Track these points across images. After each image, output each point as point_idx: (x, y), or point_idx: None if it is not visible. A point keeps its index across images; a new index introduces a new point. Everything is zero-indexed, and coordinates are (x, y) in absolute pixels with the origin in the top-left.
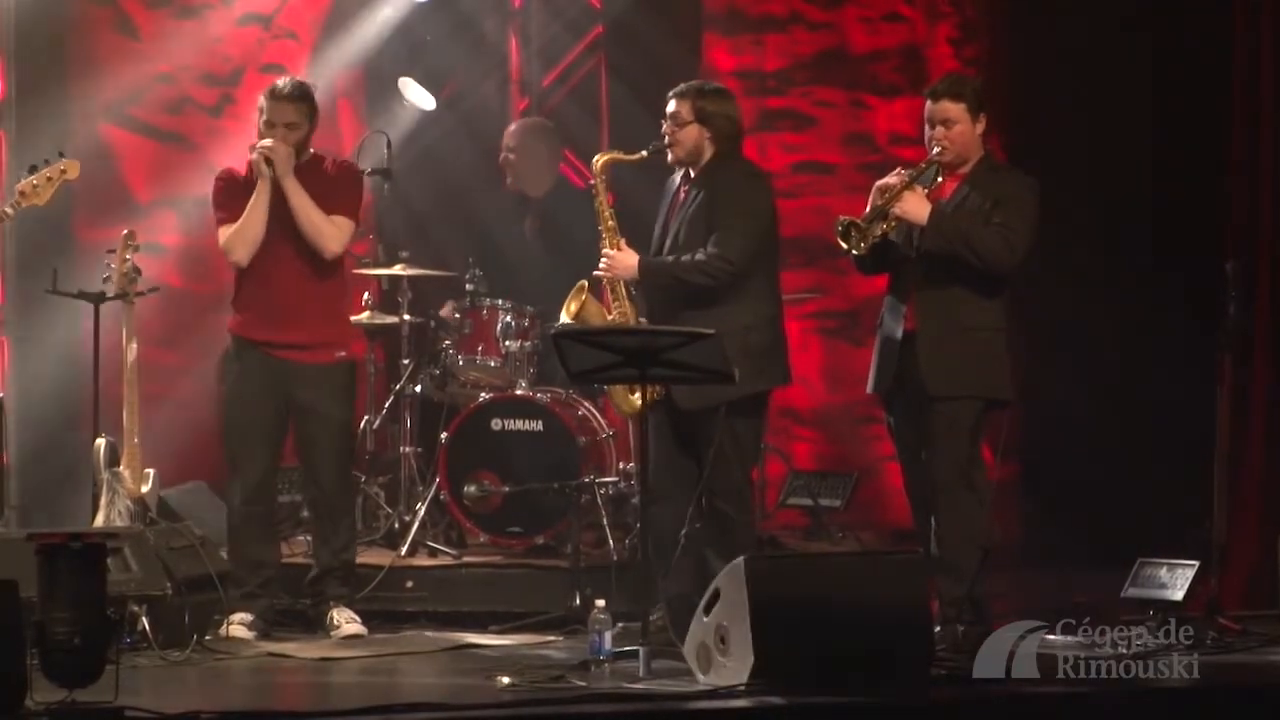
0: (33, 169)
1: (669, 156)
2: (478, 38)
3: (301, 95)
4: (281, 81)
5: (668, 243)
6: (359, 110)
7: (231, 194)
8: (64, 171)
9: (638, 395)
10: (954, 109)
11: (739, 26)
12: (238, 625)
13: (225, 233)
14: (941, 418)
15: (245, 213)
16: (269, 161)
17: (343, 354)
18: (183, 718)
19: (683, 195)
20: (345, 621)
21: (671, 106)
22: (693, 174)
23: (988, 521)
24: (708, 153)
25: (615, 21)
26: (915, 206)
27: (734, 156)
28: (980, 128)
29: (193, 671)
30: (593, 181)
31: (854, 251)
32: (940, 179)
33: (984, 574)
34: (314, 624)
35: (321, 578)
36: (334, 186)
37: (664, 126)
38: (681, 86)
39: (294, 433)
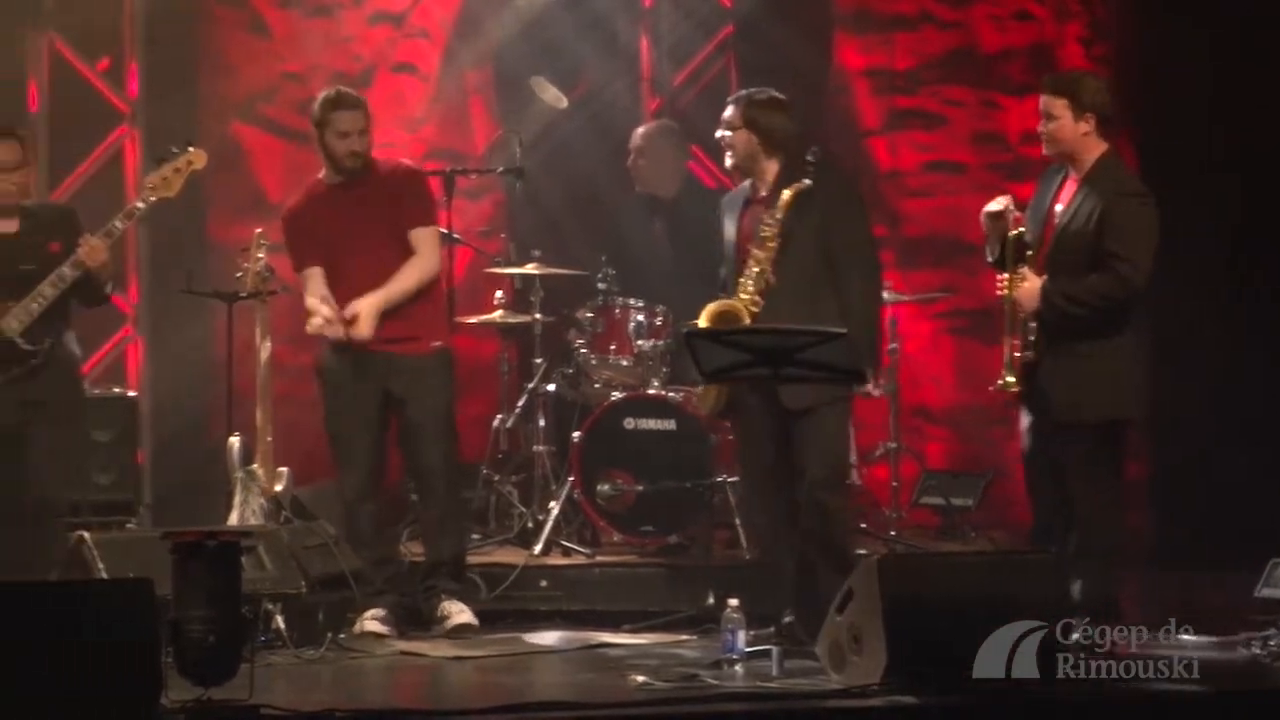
0: (160, 161)
1: (728, 161)
2: (609, 37)
3: (362, 101)
4: (337, 90)
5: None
6: (490, 108)
7: (299, 237)
8: (191, 162)
9: (721, 394)
10: (1055, 104)
11: (869, 25)
12: (371, 622)
13: (305, 285)
14: (1072, 446)
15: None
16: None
17: (438, 344)
18: (317, 716)
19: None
20: (455, 613)
21: (727, 112)
22: (762, 190)
23: (1120, 523)
24: (762, 160)
25: (746, 20)
26: (1025, 296)
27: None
28: (1085, 127)
29: (327, 669)
30: (779, 216)
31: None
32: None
33: (1115, 575)
34: (426, 618)
35: (431, 571)
36: (404, 199)
37: (718, 131)
38: (738, 93)
39: (396, 426)
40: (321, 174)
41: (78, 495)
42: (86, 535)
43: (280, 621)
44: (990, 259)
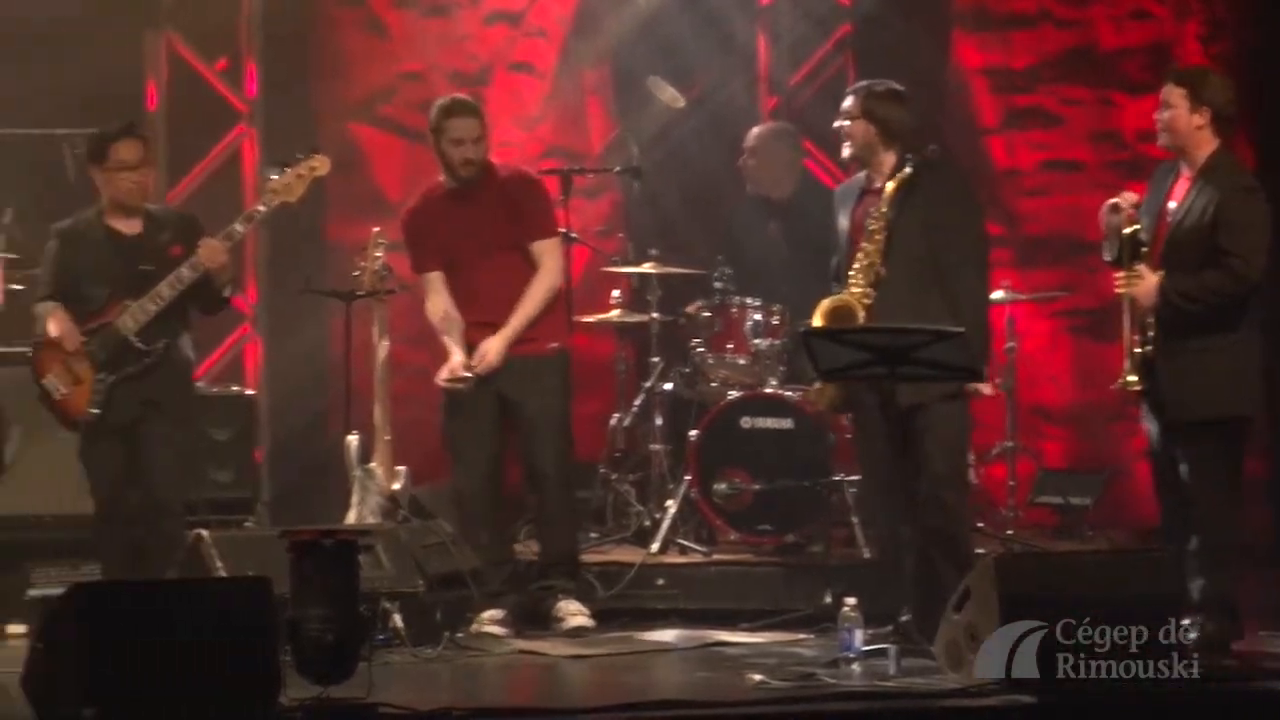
0: (284, 166)
1: (845, 151)
2: (726, 36)
3: (477, 108)
4: (452, 96)
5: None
6: (607, 107)
7: (418, 240)
8: (314, 168)
9: (836, 391)
10: (1174, 93)
11: (987, 23)
12: (490, 624)
13: (425, 289)
14: (1189, 445)
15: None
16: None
17: (555, 345)
18: (435, 714)
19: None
20: (572, 614)
21: (845, 103)
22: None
23: (1239, 522)
24: (879, 151)
25: (864, 19)
26: (1143, 293)
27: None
28: (1199, 120)
29: (445, 668)
30: (884, 209)
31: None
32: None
33: (1235, 574)
34: (541, 618)
35: (546, 570)
36: (525, 209)
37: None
38: (857, 84)
39: (513, 426)
40: (442, 176)
41: (195, 494)
42: (205, 534)
43: (398, 620)
44: (1107, 257)
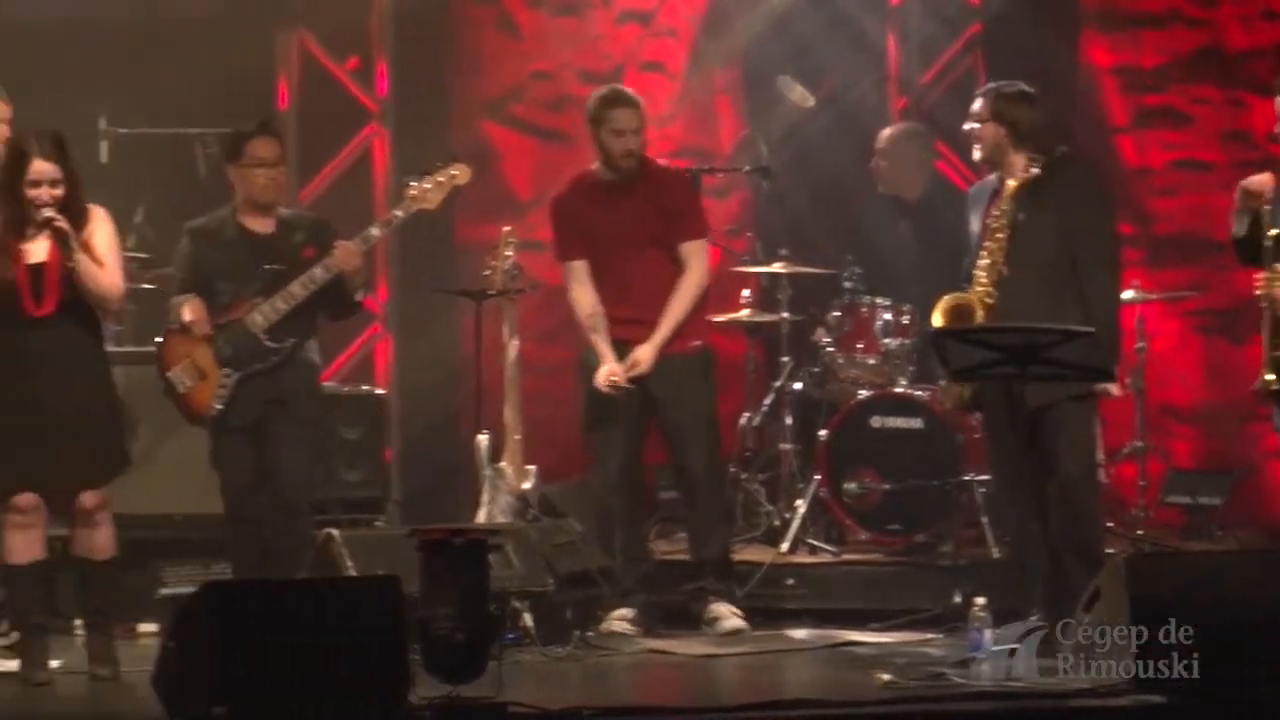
0: (423, 173)
1: (975, 154)
2: (856, 36)
3: (638, 100)
4: (613, 87)
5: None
6: (737, 107)
7: (567, 227)
8: (454, 176)
9: (965, 390)
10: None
11: (1117, 23)
12: (620, 623)
13: (569, 277)
14: None
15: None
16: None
17: (698, 343)
18: (565, 714)
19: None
20: (727, 616)
21: (975, 105)
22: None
23: None
24: (1009, 153)
25: (993, 18)
26: None
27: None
28: None
29: (575, 667)
30: (1005, 208)
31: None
32: None
33: None
34: (693, 619)
35: (698, 572)
36: (677, 209)
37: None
38: (987, 85)
39: (658, 426)
40: (594, 166)
41: (325, 493)
42: (335, 533)
43: (528, 619)
44: (1236, 233)
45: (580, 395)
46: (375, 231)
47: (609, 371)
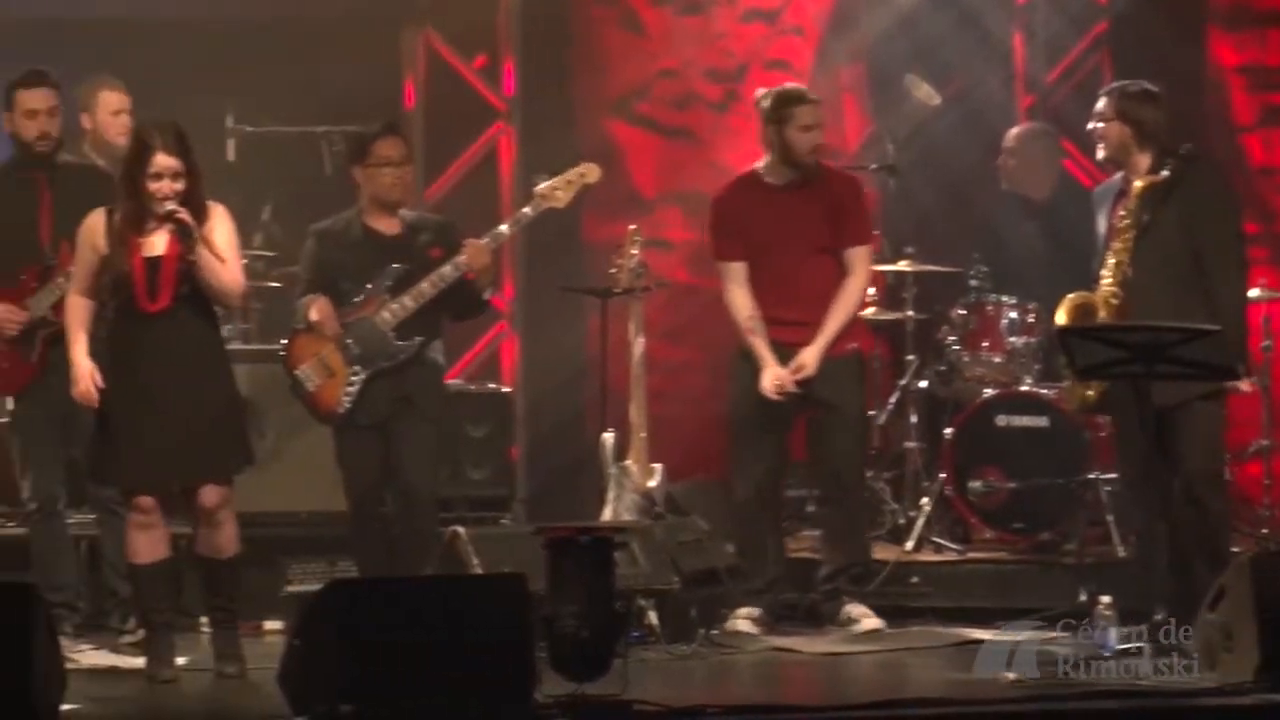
0: (553, 172)
1: (1100, 153)
2: (982, 34)
3: (818, 98)
4: (792, 85)
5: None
6: (863, 105)
7: (727, 228)
8: (584, 175)
9: (1090, 390)
10: None
11: (1244, 21)
12: (744, 621)
13: (727, 278)
14: None
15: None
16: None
17: (854, 345)
18: (689, 712)
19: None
20: (862, 616)
21: (1099, 104)
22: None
23: None
24: (1134, 152)
25: (1119, 17)
26: None
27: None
28: None
29: (699, 666)
30: (1131, 207)
31: None
32: None
33: None
34: (824, 619)
35: (836, 574)
36: (848, 212)
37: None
38: (1111, 85)
39: (806, 426)
40: (759, 166)
41: (451, 491)
42: (461, 531)
43: (653, 617)
44: None
45: (721, 393)
46: (505, 230)
47: (776, 376)
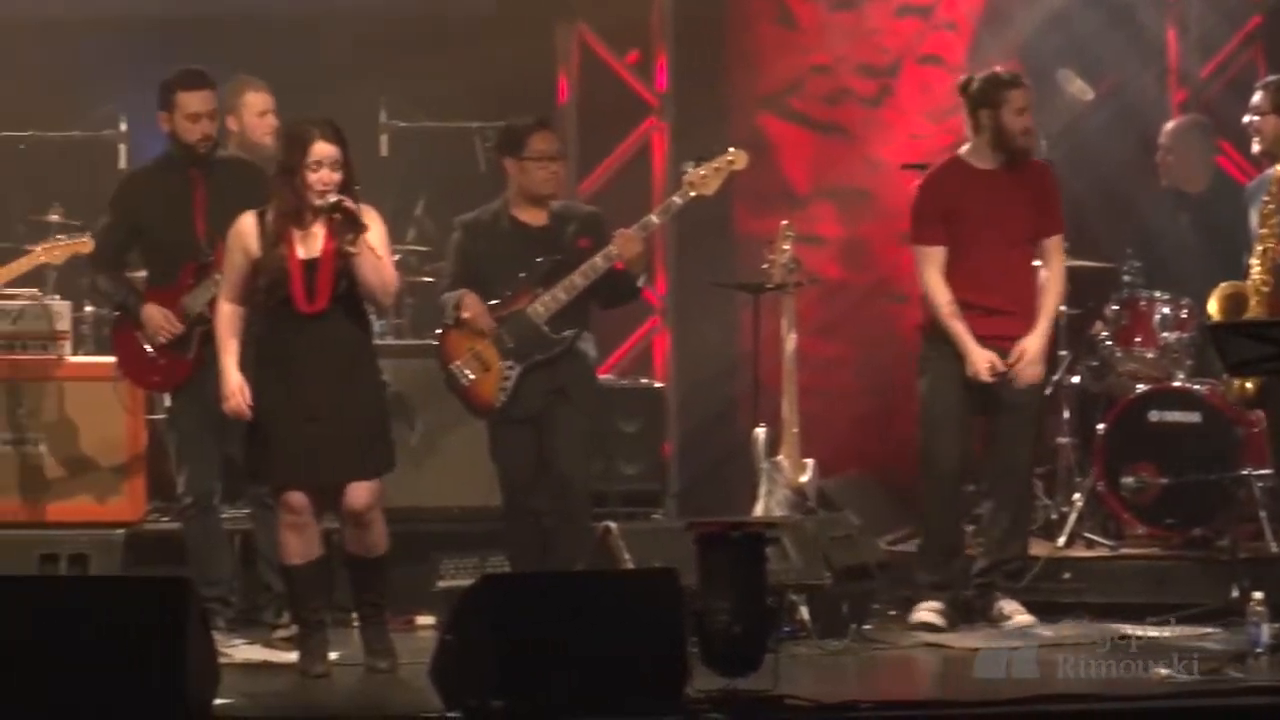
0: (700, 160)
1: (1254, 147)
2: (1135, 29)
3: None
4: (1004, 70)
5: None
6: None
7: (932, 211)
8: (731, 162)
9: (1249, 383)
10: None
11: None
12: (927, 612)
13: (925, 261)
14: None
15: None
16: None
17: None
18: (840, 707)
19: None
20: (1015, 612)
21: (1255, 98)
22: None
23: None
24: None
25: (1274, 11)
26: None
27: None
28: None
29: (851, 661)
30: (1273, 190)
31: None
32: None
33: None
34: (976, 614)
35: (990, 569)
36: (1049, 201)
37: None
38: (1267, 79)
39: (989, 421)
40: (963, 151)
41: (604, 486)
42: (613, 526)
43: (804, 612)
44: None
45: (873, 389)
46: (654, 219)
47: (988, 358)
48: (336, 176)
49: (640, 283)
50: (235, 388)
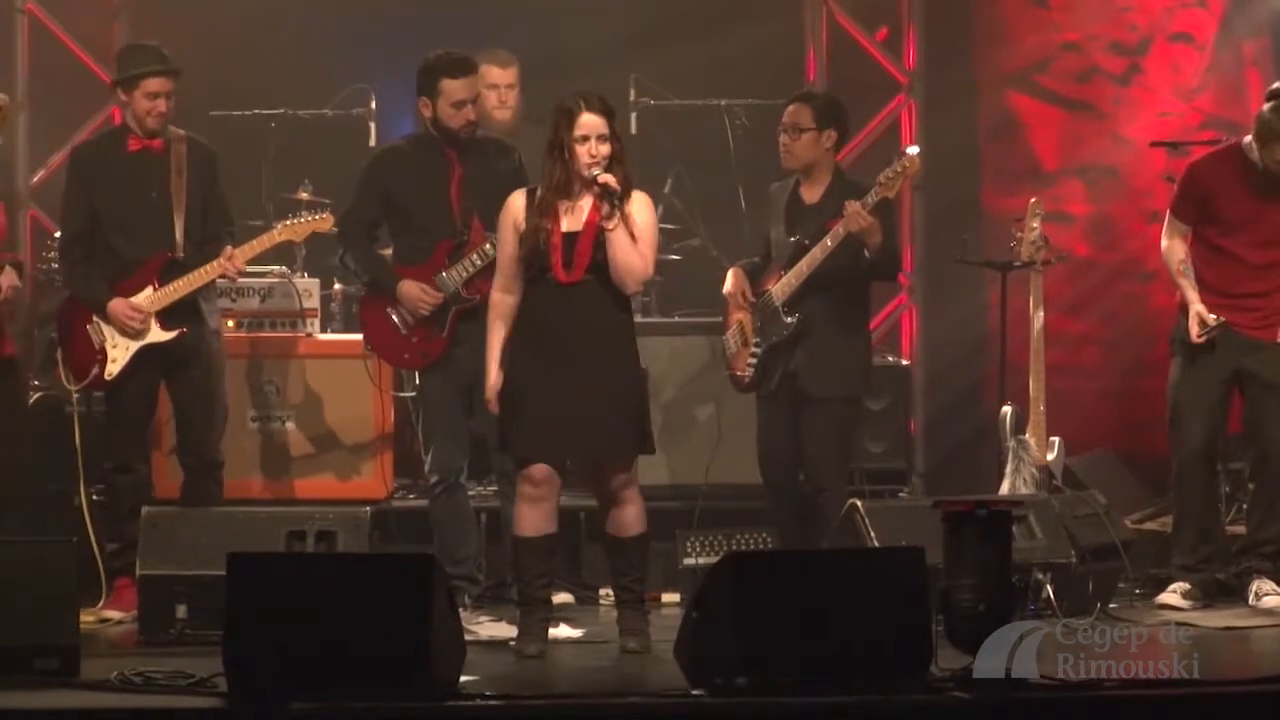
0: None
1: None
2: None
3: None
4: None
5: None
6: (1267, 79)
7: (1192, 194)
8: (905, 168)
9: None
10: None
11: None
12: (1170, 594)
13: (1171, 228)
14: None
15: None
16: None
17: None
18: (1085, 685)
19: None
20: (1269, 593)
21: None
22: None
23: None
24: None
25: None
26: None
27: None
28: None
29: (1095, 639)
30: None
31: None
32: None
33: None
34: (1233, 593)
35: (1250, 548)
36: None
37: None
38: None
39: (1244, 403)
40: (1246, 140)
41: (851, 464)
42: (859, 503)
43: (1049, 591)
44: None
45: (1119, 368)
46: (871, 198)
47: (1199, 313)
48: (604, 149)
49: (879, 259)
50: (493, 394)
